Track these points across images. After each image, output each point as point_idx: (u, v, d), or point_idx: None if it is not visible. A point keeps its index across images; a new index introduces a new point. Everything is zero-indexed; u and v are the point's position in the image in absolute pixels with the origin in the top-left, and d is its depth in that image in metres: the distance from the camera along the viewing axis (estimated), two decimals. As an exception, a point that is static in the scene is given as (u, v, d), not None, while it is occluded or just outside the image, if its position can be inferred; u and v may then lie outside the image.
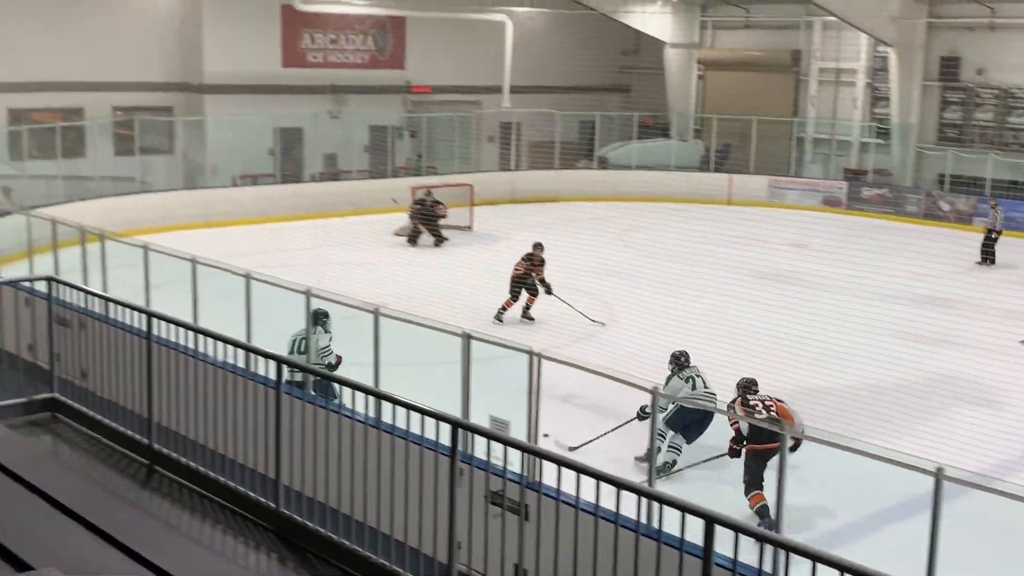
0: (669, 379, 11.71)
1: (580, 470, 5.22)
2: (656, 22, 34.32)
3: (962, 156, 28.63)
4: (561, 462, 5.33)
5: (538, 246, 17.95)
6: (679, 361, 11.91)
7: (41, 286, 9.14)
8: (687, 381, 11.64)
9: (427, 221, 24.00)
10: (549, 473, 5.55)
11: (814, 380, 13.94)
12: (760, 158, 31.30)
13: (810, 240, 23.61)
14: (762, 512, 9.82)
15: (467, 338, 8.51)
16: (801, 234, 23.49)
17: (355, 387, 6.47)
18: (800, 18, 32.78)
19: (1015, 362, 14.24)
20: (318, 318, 11.74)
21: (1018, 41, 28.18)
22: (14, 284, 10.10)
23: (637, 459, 11.20)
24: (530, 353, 8.50)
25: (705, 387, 11.60)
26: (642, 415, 10.95)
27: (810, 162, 32.81)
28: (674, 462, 11.22)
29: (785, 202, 30.20)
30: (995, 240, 22.90)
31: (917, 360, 14.71)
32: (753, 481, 10.05)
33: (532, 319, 17.50)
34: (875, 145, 31.39)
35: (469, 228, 25.69)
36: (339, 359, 12.00)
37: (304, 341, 11.39)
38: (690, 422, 11.37)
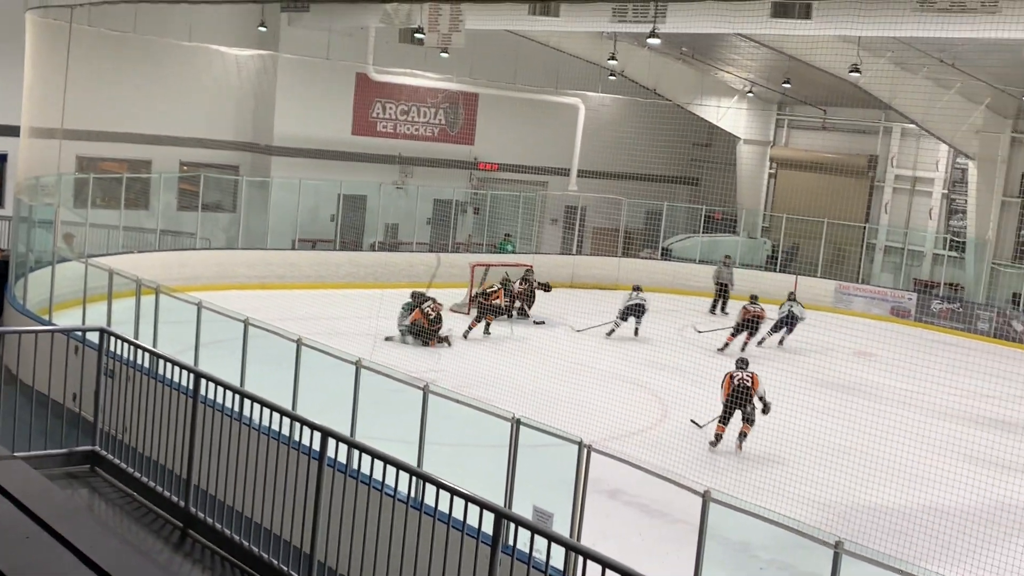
0: None
1: (623, 572, 5.10)
2: (731, 117, 34.52)
3: (1039, 276, 28.22)
4: (605, 563, 5.21)
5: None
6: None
7: (93, 336, 9.25)
8: None
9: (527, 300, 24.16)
10: (593, 572, 5.43)
11: (873, 497, 13.63)
12: (829, 262, 31.07)
13: (875, 350, 23.26)
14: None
15: (516, 423, 8.46)
16: (866, 343, 23.15)
17: (399, 466, 6.42)
18: (879, 123, 32.74)
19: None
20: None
21: (1104, 162, 27.90)
22: (67, 332, 10.24)
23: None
24: (580, 444, 8.42)
25: None
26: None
27: (880, 270, 32.51)
28: None
29: (852, 308, 29.85)
30: None
31: (981, 485, 14.31)
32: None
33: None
34: (948, 258, 31.06)
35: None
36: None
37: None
38: None
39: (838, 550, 6.87)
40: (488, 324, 22.69)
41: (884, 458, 15.04)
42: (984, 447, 15.66)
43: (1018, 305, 27.99)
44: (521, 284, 24.39)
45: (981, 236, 29.58)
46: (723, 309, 28.05)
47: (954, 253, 30.94)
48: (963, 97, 28.03)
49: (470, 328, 22.34)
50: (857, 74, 24.90)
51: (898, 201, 32.60)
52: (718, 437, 15.71)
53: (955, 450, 16.00)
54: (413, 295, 22.03)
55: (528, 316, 24.41)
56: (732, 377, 15.96)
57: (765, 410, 15.95)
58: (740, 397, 15.71)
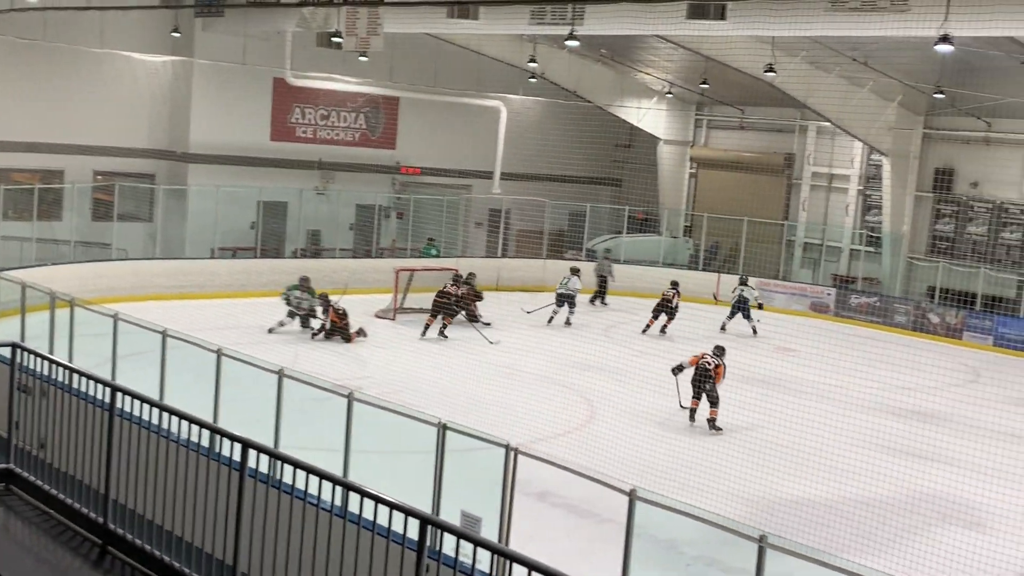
0: None
1: (550, 574, 5.11)
2: (651, 118, 34.87)
3: (953, 269, 28.90)
4: (533, 565, 5.22)
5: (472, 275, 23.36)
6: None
7: (5, 351, 9.04)
8: None
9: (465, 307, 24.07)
10: (519, 574, 5.44)
11: (794, 489, 13.85)
12: (749, 260, 31.52)
13: (796, 346, 23.66)
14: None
15: (443, 428, 8.44)
16: (787, 339, 23.54)
17: (322, 475, 6.37)
18: (795, 122, 33.31)
19: (1003, 483, 14.18)
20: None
21: (1013, 156, 28.66)
22: (-23, 347, 9.99)
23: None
24: (506, 447, 8.43)
25: None
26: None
27: (799, 267, 33.07)
28: None
29: (772, 305, 30.30)
30: None
31: (901, 475, 14.65)
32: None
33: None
34: (865, 253, 31.71)
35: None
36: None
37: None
38: None
39: (762, 544, 6.96)
40: (445, 326, 22.90)
41: (806, 451, 15.29)
42: (903, 438, 16.02)
43: (934, 298, 28.65)
44: (462, 287, 24.33)
45: (896, 231, 30.24)
46: (603, 301, 28.94)
47: (871, 248, 31.58)
48: (876, 95, 28.66)
49: (427, 327, 22.81)
50: (772, 74, 25.32)
51: (815, 198, 33.20)
52: (692, 412, 17.05)
53: (875, 442, 16.35)
54: (302, 280, 22.72)
55: (477, 319, 24.39)
56: (700, 358, 17.14)
57: (712, 402, 16.91)
58: (699, 378, 16.93)
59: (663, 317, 24.98)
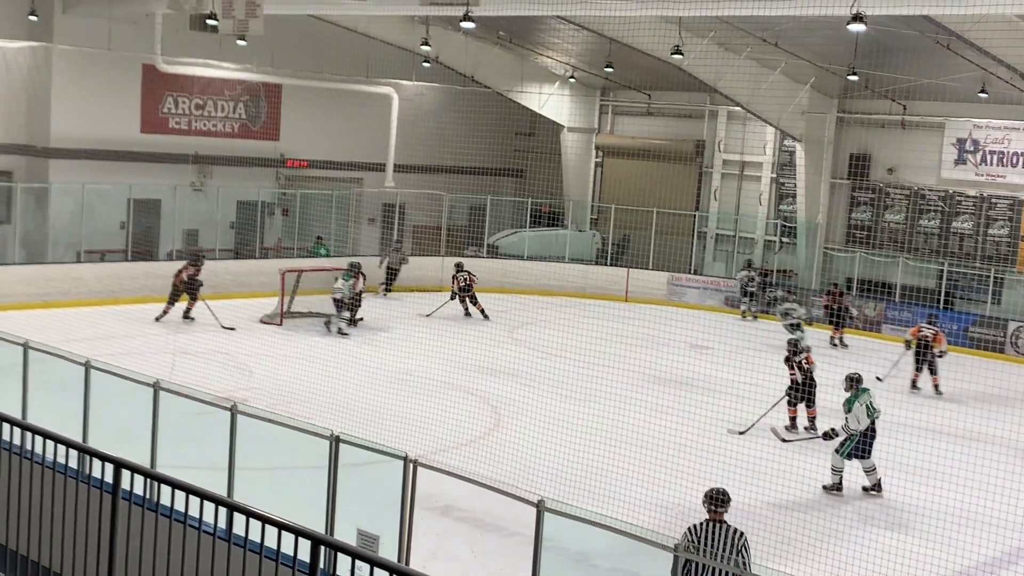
0: (851, 402, 14.91)
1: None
2: (553, 104, 35.09)
3: (871, 259, 29.64)
4: (434, 584, 5.22)
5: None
6: (855, 383, 15.21)
7: None
8: (866, 407, 14.87)
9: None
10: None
11: (713, 495, 14.04)
12: (660, 253, 31.91)
13: (710, 343, 24.04)
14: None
15: (336, 441, 8.39)
16: (701, 336, 23.89)
17: (203, 495, 6.27)
18: (704, 107, 33.82)
19: (926, 481, 14.58)
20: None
21: (930, 140, 29.48)
22: None
23: (825, 488, 14.79)
24: (405, 459, 8.41)
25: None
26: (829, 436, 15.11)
27: (712, 259, 33.60)
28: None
29: (685, 300, 30.77)
30: None
31: (819, 476, 14.98)
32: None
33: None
34: (780, 244, 32.34)
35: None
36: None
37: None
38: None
39: (677, 553, 7.06)
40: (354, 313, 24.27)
41: (722, 453, 15.55)
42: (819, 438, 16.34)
43: (851, 289, 29.33)
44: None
45: (811, 220, 30.90)
46: (388, 290, 29.70)
47: (786, 239, 32.23)
48: (788, 77, 29.25)
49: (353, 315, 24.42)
50: (680, 56, 25.63)
51: (727, 187, 33.75)
52: (913, 383, 21.54)
53: (791, 442, 16.69)
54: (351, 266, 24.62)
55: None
56: (918, 330, 21.36)
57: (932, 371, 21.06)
58: (920, 350, 21.36)
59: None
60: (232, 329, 23.28)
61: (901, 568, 11.78)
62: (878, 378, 20.96)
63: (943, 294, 27.97)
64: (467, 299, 27.00)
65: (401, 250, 30.21)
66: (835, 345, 25.90)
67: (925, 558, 11.90)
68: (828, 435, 15.13)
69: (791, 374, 17.96)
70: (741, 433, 17.24)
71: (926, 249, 29.50)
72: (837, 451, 14.90)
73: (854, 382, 15.23)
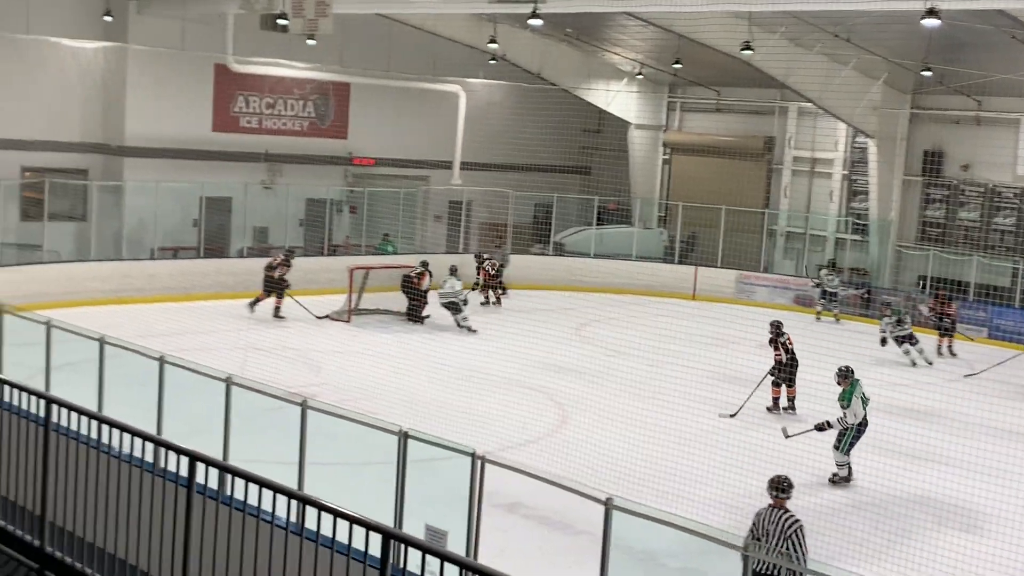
0: (848, 396, 14.82)
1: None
2: (621, 101, 34.97)
3: (944, 257, 29.18)
4: (503, 580, 5.25)
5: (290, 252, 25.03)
6: (849, 375, 15.04)
7: (-72, 363, 8.97)
8: (860, 399, 14.79)
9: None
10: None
11: (783, 495, 13.91)
12: (728, 250, 31.67)
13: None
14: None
15: (404, 437, 8.45)
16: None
17: (276, 489, 6.36)
18: (775, 103, 33.50)
19: (1000, 483, 14.35)
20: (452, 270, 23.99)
21: (1005, 136, 28.96)
22: (-103, 360, 9.90)
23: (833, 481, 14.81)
24: (472, 456, 8.45)
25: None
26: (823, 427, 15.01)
27: (782, 257, 33.28)
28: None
29: (754, 299, 30.49)
30: None
31: (896, 477, 14.79)
32: None
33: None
34: (851, 242, 31.94)
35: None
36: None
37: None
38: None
39: (747, 553, 7.03)
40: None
41: (791, 455, 15.40)
42: (895, 438, 16.12)
43: (924, 288, 28.89)
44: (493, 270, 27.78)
45: (884, 217, 30.49)
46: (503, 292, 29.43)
47: (857, 236, 31.83)
48: (860, 73, 28.89)
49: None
50: (750, 52, 25.44)
51: (798, 184, 33.42)
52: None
53: (866, 442, 16.46)
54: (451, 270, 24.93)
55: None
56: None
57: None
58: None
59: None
60: (327, 318, 24.35)
61: (975, 571, 11.60)
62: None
63: (1019, 292, 27.46)
64: (494, 288, 27.81)
65: (503, 247, 30.27)
66: (942, 354, 24.75)
67: (998, 559, 11.71)
68: (821, 427, 15.18)
69: (776, 354, 18.40)
70: (732, 416, 17.61)
71: (1001, 247, 28.98)
72: (837, 448, 14.99)
73: (847, 375, 15.20)
